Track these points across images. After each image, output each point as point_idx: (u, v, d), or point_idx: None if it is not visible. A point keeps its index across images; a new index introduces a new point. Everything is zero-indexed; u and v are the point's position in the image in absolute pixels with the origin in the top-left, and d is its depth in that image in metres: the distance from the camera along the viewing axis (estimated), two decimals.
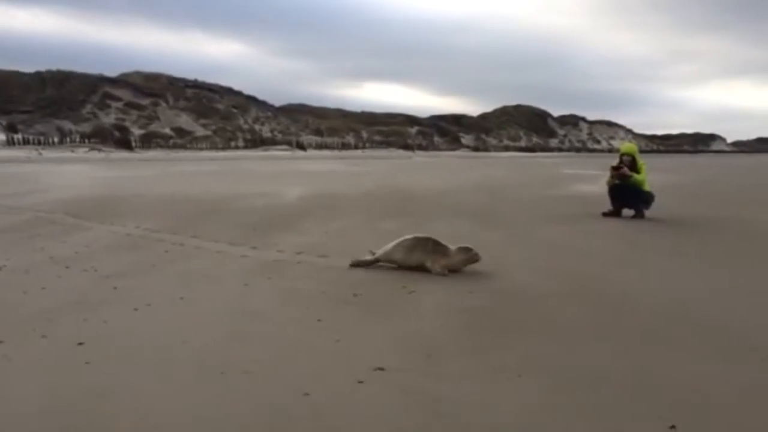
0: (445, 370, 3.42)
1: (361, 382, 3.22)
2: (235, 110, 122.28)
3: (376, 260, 6.33)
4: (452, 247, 6.10)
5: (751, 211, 12.74)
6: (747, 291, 5.46)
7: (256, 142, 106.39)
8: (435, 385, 3.20)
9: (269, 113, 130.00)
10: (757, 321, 4.46)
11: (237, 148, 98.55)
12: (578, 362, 3.57)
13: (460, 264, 6.04)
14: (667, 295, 5.23)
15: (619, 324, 4.38)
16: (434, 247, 6.07)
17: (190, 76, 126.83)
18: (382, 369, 3.40)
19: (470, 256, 6.05)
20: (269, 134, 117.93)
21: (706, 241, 8.50)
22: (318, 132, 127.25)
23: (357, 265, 6.34)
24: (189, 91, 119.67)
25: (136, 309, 4.72)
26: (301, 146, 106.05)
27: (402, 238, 6.27)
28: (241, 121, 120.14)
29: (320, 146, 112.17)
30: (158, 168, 37.37)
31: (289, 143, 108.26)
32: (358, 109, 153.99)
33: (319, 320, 4.41)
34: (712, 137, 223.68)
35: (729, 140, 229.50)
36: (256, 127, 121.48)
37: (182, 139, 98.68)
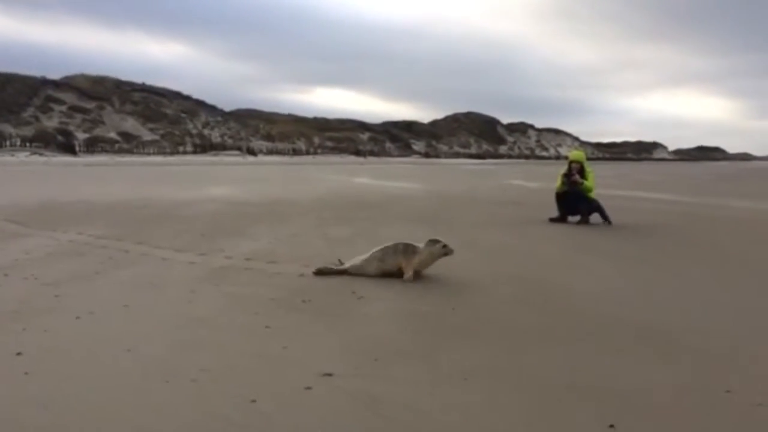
0: (393, 375, 3.44)
1: (308, 388, 3.22)
2: (183, 115, 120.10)
3: (345, 271, 6.25)
4: (420, 244, 6.12)
5: (688, 218, 13.23)
6: (683, 294, 5.67)
7: (206, 147, 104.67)
8: (382, 389, 3.22)
9: (219, 118, 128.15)
10: (690, 323, 4.64)
11: (186, 153, 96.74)
12: (523, 365, 3.65)
13: (431, 257, 6.05)
14: (608, 299, 5.39)
15: (563, 327, 4.50)
16: (404, 248, 6.10)
17: (136, 79, 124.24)
18: (329, 375, 3.40)
19: (439, 248, 6.04)
20: (219, 139, 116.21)
21: (647, 246, 8.78)
22: (269, 137, 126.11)
23: (323, 272, 6.26)
24: (136, 95, 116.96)
25: (78, 317, 4.59)
26: (251, 151, 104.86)
27: (373, 250, 6.25)
28: (190, 126, 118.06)
29: (271, 152, 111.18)
30: (103, 173, 36.40)
31: (239, 148, 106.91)
32: (310, 115, 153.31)
33: (267, 327, 4.38)
34: (655, 145, 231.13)
35: (670, 148, 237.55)
36: (206, 131, 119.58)
37: (129, 144, 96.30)
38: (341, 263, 6.43)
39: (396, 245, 6.16)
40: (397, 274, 6.06)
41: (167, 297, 5.31)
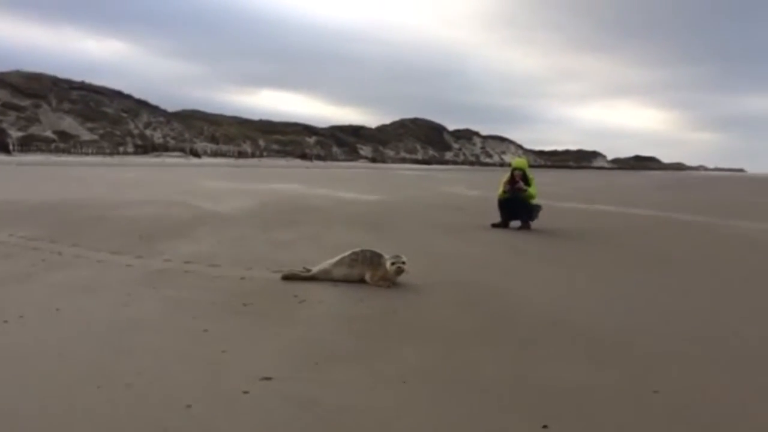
0: (332, 378, 3.44)
1: (246, 392, 3.18)
2: (124, 114, 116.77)
3: (313, 277, 6.16)
4: (386, 256, 6.07)
5: (625, 225, 13.68)
6: (616, 297, 5.87)
7: (147, 147, 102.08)
8: (321, 392, 3.21)
9: (162, 118, 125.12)
10: (622, 325, 4.80)
11: (126, 153, 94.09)
12: (462, 367, 3.70)
13: (395, 274, 5.99)
14: (545, 302, 5.53)
15: (502, 330, 4.59)
16: (371, 257, 6.05)
17: (75, 77, 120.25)
18: (268, 378, 3.38)
19: (396, 267, 5.94)
20: (161, 140, 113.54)
21: (583, 252, 9.04)
22: (213, 139, 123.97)
23: (289, 278, 6.16)
24: (74, 93, 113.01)
25: (6, 321, 4.42)
26: (195, 153, 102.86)
27: (340, 255, 6.19)
28: (132, 126, 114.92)
29: (215, 154, 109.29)
30: (38, 173, 35.06)
31: (182, 150, 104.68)
32: (255, 117, 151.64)
33: (205, 330, 4.31)
34: (594, 154, 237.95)
35: (609, 157, 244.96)
36: (148, 132, 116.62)
37: (66, 143, 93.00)
38: (307, 270, 6.31)
39: (364, 253, 6.10)
40: (361, 281, 6.02)
41: (102, 300, 5.16)
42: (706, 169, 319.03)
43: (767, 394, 3.39)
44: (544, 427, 2.87)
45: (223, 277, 6.21)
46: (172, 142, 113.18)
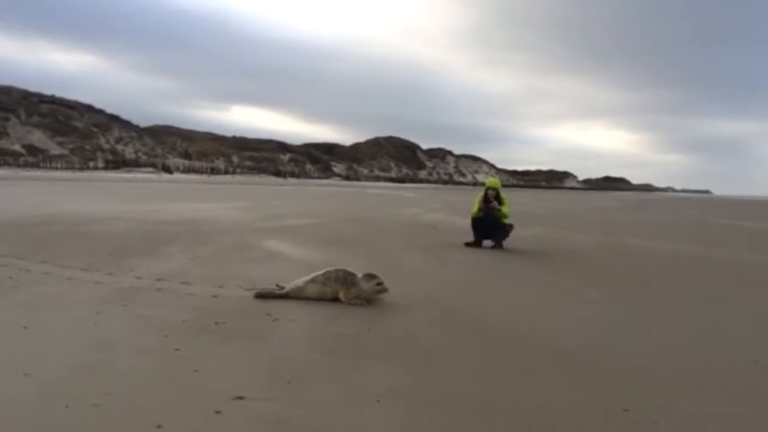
0: (306, 397, 3.42)
1: (218, 412, 3.15)
2: (95, 129, 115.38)
3: (286, 295, 6.11)
4: (359, 275, 6.07)
5: (596, 245, 13.88)
6: (586, 316, 5.95)
7: (119, 163, 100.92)
8: (294, 412, 3.19)
9: (133, 133, 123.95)
10: (593, 343, 4.86)
11: (97, 168, 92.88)
12: (436, 386, 3.71)
13: (367, 293, 6.00)
14: (518, 321, 5.58)
15: (475, 348, 4.62)
16: (345, 276, 6.04)
17: (45, 90, 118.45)
18: (241, 398, 3.35)
19: (373, 285, 6.00)
20: (133, 155, 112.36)
21: (555, 272, 9.14)
22: (186, 155, 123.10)
23: (263, 296, 6.12)
24: (44, 107, 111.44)
25: None
26: (167, 169, 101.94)
27: (313, 274, 6.17)
28: (102, 141, 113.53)
29: (188, 170, 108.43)
30: (5, 188, 34.39)
31: (154, 165, 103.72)
32: (229, 134, 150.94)
33: (177, 349, 4.25)
34: (566, 174, 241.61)
35: (580, 178, 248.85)
36: (119, 147, 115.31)
37: (35, 158, 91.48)
38: (280, 287, 6.27)
39: (337, 272, 6.09)
40: (335, 300, 6.00)
41: (71, 318, 5.07)
42: (674, 190, 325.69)
43: (738, 411, 3.46)
44: None
45: (195, 295, 6.14)
46: (143, 158, 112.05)
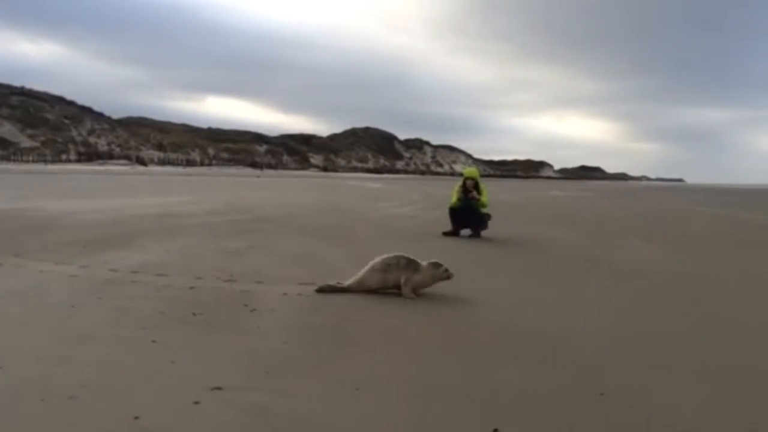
0: (285, 387, 3.41)
1: (197, 402, 3.12)
2: (67, 121, 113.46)
3: (348, 288, 6.02)
4: (423, 263, 6.00)
5: (569, 236, 14.02)
6: (562, 302, 6.00)
7: (91, 155, 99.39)
8: (274, 401, 3.18)
9: (106, 125, 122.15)
10: (570, 329, 4.91)
11: (69, 161, 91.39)
12: (415, 374, 3.72)
13: (432, 279, 5.96)
14: (494, 307, 5.61)
15: (453, 336, 4.63)
16: (407, 263, 5.94)
17: (15, 82, 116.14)
18: (219, 388, 3.32)
19: (440, 272, 5.96)
20: (106, 148, 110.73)
21: (531, 259, 9.21)
22: (161, 147, 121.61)
23: (323, 290, 6.01)
24: (14, 99, 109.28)
25: None
26: (141, 161, 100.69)
27: (372, 262, 6.06)
28: (74, 133, 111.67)
29: (163, 162, 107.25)
30: None
31: (128, 158, 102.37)
32: (204, 125, 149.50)
33: (154, 341, 4.21)
34: (542, 164, 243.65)
35: (556, 167, 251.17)
36: (91, 139, 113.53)
37: (5, 151, 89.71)
38: (339, 284, 6.13)
39: (398, 258, 5.98)
40: (395, 290, 5.95)
41: (45, 311, 4.99)
42: (648, 179, 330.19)
43: (712, 395, 3.51)
44: (495, 430, 2.91)
45: (172, 287, 6.08)
46: (117, 150, 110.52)
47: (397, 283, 5.91)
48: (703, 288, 7.19)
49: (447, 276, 5.98)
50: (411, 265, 5.95)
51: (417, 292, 5.93)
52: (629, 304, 6.05)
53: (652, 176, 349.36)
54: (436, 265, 5.99)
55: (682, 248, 11.42)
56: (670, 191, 72.19)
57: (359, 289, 6.00)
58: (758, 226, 18.80)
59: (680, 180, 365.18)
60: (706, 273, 8.42)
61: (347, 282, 6.09)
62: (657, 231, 14.98)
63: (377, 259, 6.06)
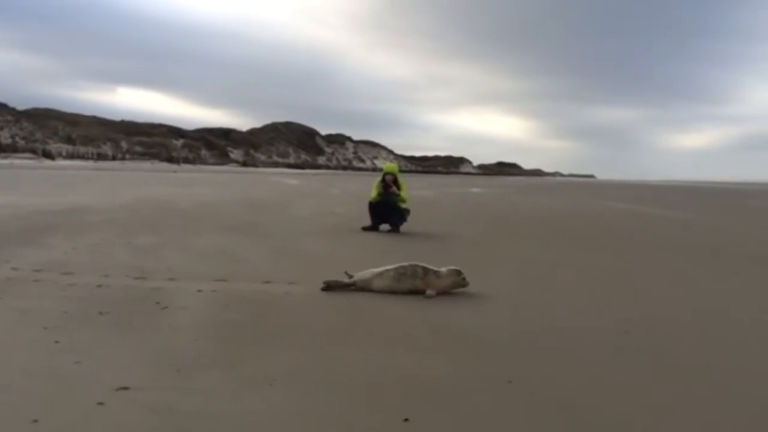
0: (194, 385, 3.35)
1: (101, 403, 3.02)
2: None
3: (353, 284, 5.98)
4: (443, 269, 6.01)
5: (487, 230, 14.40)
6: (474, 293, 6.14)
7: None
8: (183, 400, 3.12)
9: (9, 117, 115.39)
10: (477, 320, 5.05)
11: None
12: (328, 367, 3.74)
13: (452, 286, 5.97)
14: (407, 300, 5.69)
15: (367, 329, 4.68)
16: (424, 272, 5.93)
17: None
18: (126, 388, 3.23)
19: (460, 279, 5.99)
20: (9, 140, 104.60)
21: (448, 252, 9.40)
22: (69, 140, 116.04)
23: (330, 286, 5.95)
24: None
25: None
26: (48, 155, 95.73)
27: (383, 268, 6.02)
28: None
29: (72, 156, 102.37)
30: None
31: (33, 151, 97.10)
32: (117, 117, 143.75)
33: (56, 342, 4.04)
34: (462, 160, 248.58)
35: (475, 163, 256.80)
36: None
37: None
38: (349, 276, 6.10)
39: (414, 268, 5.95)
40: (410, 293, 5.89)
41: None
42: (561, 175, 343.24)
43: (613, 379, 3.71)
44: (406, 420, 2.97)
45: (78, 285, 5.84)
46: (21, 143, 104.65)
47: (410, 290, 5.92)
48: (618, 284, 7.55)
49: (465, 283, 6.07)
50: (429, 273, 5.99)
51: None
52: (538, 296, 6.26)
53: (565, 172, 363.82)
54: (457, 272, 6.06)
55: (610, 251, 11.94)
56: (584, 187, 75.23)
57: (364, 287, 6.00)
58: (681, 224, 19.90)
59: (591, 176, 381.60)
60: (627, 270, 8.82)
61: (355, 276, 6.12)
62: (583, 235, 15.58)
63: (391, 266, 6.05)
